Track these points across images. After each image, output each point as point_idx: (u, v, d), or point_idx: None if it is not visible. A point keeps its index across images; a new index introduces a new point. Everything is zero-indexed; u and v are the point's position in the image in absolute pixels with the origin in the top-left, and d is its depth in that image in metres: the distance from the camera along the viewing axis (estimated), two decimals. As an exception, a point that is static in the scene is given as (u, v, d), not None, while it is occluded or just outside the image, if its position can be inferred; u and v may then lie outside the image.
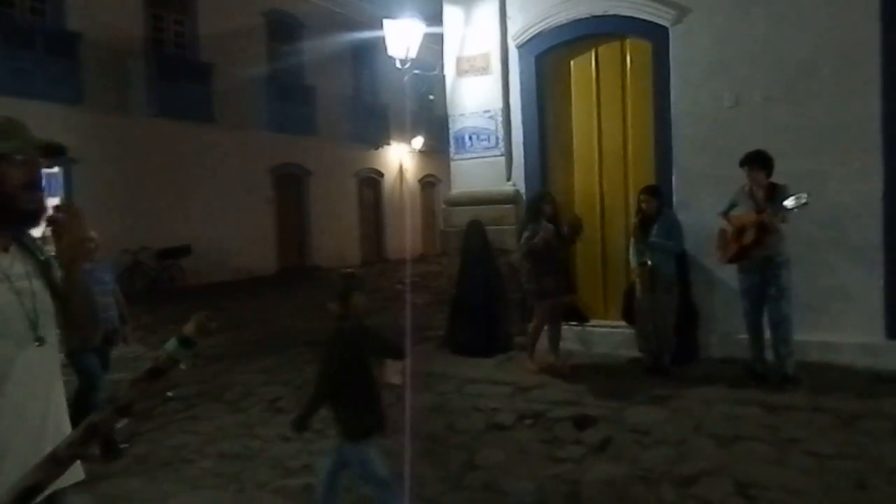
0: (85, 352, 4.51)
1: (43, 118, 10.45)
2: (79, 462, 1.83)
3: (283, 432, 4.85)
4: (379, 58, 14.62)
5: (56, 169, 11.54)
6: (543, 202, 6.06)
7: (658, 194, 5.83)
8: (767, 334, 5.30)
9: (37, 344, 1.71)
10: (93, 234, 4.45)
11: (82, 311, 1.97)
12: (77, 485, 1.86)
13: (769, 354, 5.32)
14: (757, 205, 5.17)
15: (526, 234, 5.89)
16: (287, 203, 16.19)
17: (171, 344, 1.42)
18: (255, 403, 5.63)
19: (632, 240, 5.88)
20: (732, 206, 5.39)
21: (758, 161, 5.16)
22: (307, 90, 16.28)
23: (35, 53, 10.97)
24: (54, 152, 1.79)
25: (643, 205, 5.78)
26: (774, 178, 5.20)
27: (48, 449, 1.44)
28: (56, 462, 1.36)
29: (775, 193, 5.10)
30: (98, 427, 1.41)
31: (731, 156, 5.33)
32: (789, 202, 4.88)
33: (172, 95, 12.93)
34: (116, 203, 11.83)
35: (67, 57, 11.41)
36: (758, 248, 5.13)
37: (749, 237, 5.14)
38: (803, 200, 4.82)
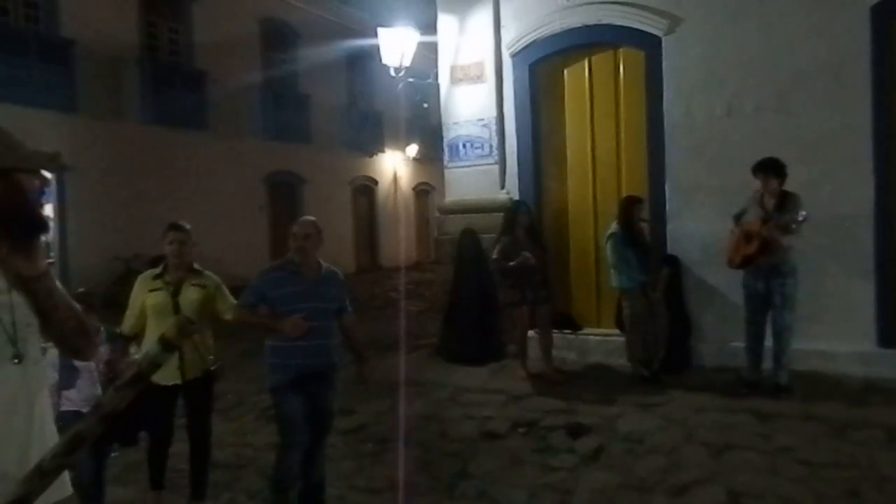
0: (280, 391, 3.53)
1: (36, 125, 10.44)
2: (66, 477, 1.81)
3: (274, 441, 4.82)
4: (373, 66, 14.65)
5: (49, 176, 11.49)
6: (518, 213, 6.00)
7: None
8: (768, 342, 5.30)
9: (15, 361, 1.64)
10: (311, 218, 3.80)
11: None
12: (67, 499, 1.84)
13: (767, 363, 5.30)
14: (765, 213, 5.09)
15: (498, 248, 5.80)
16: (281, 211, 16.13)
17: (154, 348, 1.41)
18: (247, 412, 5.61)
19: (622, 252, 5.69)
20: (743, 212, 5.29)
21: (772, 168, 5.07)
22: (301, 98, 16.26)
23: (29, 60, 10.91)
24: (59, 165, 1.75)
25: (639, 213, 5.76)
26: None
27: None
28: (41, 474, 1.32)
29: (786, 202, 5.04)
30: (83, 436, 1.35)
31: (724, 165, 5.36)
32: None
33: (166, 103, 12.88)
34: (109, 210, 11.77)
35: (61, 64, 11.35)
36: (763, 257, 5.10)
37: (753, 247, 5.10)
38: (801, 217, 4.81)
